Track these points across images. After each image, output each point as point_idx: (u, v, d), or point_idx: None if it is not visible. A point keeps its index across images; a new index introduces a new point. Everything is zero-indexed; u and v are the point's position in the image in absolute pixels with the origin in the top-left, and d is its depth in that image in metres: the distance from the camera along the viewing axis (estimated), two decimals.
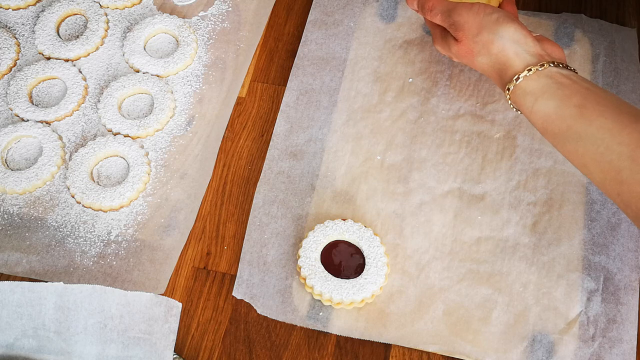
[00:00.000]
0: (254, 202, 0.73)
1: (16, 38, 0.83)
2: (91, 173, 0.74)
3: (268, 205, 0.73)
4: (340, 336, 0.66)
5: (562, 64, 0.60)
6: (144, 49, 0.82)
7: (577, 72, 0.61)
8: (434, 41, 0.71)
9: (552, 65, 0.60)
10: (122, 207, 0.72)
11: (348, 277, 0.67)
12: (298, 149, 0.76)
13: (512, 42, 0.62)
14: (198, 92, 0.80)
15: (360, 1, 0.85)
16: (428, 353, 0.66)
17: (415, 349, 0.66)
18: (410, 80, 0.80)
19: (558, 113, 0.58)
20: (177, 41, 0.82)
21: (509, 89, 0.61)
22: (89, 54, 0.82)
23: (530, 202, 0.72)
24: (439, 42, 0.70)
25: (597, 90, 0.58)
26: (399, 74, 0.80)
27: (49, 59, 0.81)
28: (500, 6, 0.67)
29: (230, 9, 0.85)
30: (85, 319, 0.63)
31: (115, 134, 0.76)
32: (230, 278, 0.70)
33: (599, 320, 0.66)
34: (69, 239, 0.71)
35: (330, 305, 0.67)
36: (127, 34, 0.82)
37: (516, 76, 0.61)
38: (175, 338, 0.64)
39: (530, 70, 0.60)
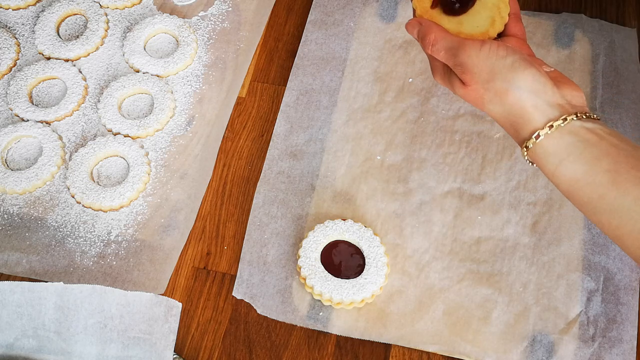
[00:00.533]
0: (254, 202, 0.73)
1: (16, 38, 0.83)
2: (91, 173, 0.74)
3: (268, 205, 0.73)
4: (340, 336, 0.66)
5: (585, 114, 0.52)
6: (144, 49, 0.82)
7: (599, 120, 0.53)
8: (433, 73, 0.61)
9: (575, 117, 0.52)
10: (122, 207, 0.72)
11: (348, 277, 0.67)
12: (298, 149, 0.76)
13: (530, 93, 0.53)
14: (198, 92, 0.80)
15: (360, 1, 0.85)
16: (428, 353, 0.66)
17: (415, 349, 0.66)
18: (410, 80, 0.80)
19: (587, 180, 0.50)
20: (177, 41, 0.82)
21: (527, 147, 0.53)
22: (89, 54, 0.82)
23: (530, 202, 0.72)
24: (440, 77, 0.60)
25: (627, 147, 0.51)
26: (399, 74, 0.80)
27: (49, 59, 0.81)
28: (506, 26, 0.59)
29: (230, 9, 0.85)
30: (85, 319, 0.63)
31: (115, 134, 0.76)
32: (230, 278, 0.70)
33: (599, 320, 0.66)
34: (69, 239, 0.71)
35: (330, 305, 0.67)
36: (127, 34, 0.82)
37: (536, 133, 0.52)
38: (175, 338, 0.64)
39: (552, 126, 0.52)
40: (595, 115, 0.53)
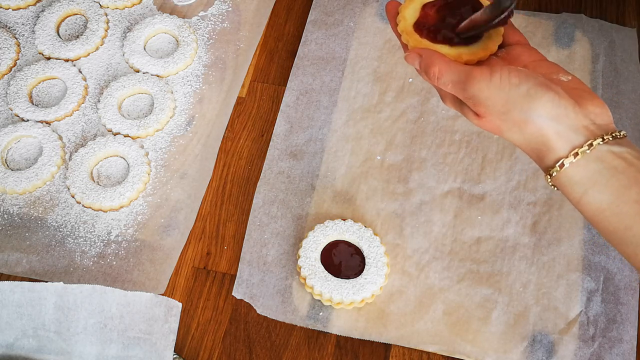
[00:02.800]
0: (254, 202, 0.73)
1: (16, 38, 0.83)
2: (91, 173, 0.74)
3: (268, 205, 0.73)
4: (340, 336, 0.66)
5: (612, 134, 0.49)
6: (144, 49, 0.82)
7: (626, 137, 0.50)
8: (442, 100, 0.57)
9: (601, 141, 0.48)
10: (122, 207, 0.72)
11: (348, 277, 0.67)
12: (298, 149, 0.76)
13: (551, 120, 0.49)
14: (198, 92, 0.80)
15: (360, 1, 0.85)
16: (428, 353, 0.66)
17: (415, 349, 0.66)
18: (410, 80, 0.80)
19: (613, 210, 0.48)
20: (177, 41, 0.82)
21: (551, 174, 0.50)
22: (89, 54, 0.82)
23: (530, 202, 0.72)
24: (451, 104, 0.56)
25: None
26: (399, 74, 0.80)
27: (49, 59, 0.81)
28: (504, 36, 0.55)
29: (230, 9, 0.85)
30: (85, 319, 0.63)
31: (115, 134, 0.76)
32: (230, 278, 0.70)
33: (599, 320, 0.66)
34: (69, 239, 0.71)
35: (330, 305, 0.67)
36: (127, 34, 0.82)
37: (560, 162, 0.49)
38: (175, 338, 0.64)
39: (577, 154, 0.48)
40: (623, 133, 0.49)
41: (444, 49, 0.54)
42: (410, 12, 0.56)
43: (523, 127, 0.50)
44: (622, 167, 0.48)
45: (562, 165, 0.49)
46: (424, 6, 0.56)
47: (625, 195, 0.47)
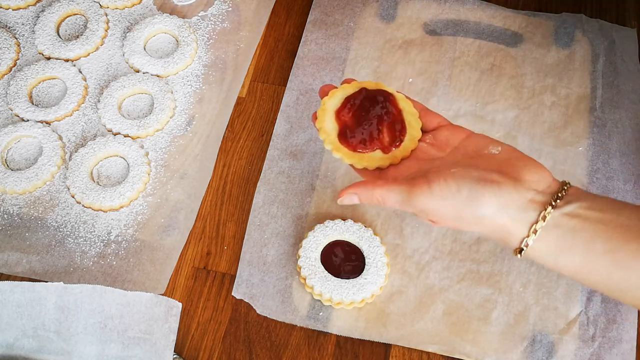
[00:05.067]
0: (254, 202, 0.73)
1: (16, 38, 0.83)
2: (91, 173, 0.74)
3: (268, 205, 0.73)
4: (340, 336, 0.66)
5: (558, 195, 0.50)
6: (144, 49, 0.82)
7: (569, 186, 0.51)
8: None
9: (552, 209, 0.49)
10: (122, 207, 0.72)
11: (348, 277, 0.67)
12: (298, 149, 0.76)
13: (500, 210, 0.50)
14: (198, 92, 0.80)
15: (360, 1, 0.85)
16: (428, 353, 0.66)
17: (415, 349, 0.66)
18: (410, 80, 0.80)
19: (588, 268, 0.49)
20: (177, 41, 0.82)
21: (521, 253, 0.51)
22: (89, 54, 0.82)
23: None
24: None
25: (613, 217, 0.49)
26: (399, 74, 0.80)
27: (49, 59, 0.81)
28: (425, 123, 0.57)
29: (230, 9, 0.85)
30: (85, 319, 0.63)
31: (115, 134, 0.76)
32: (230, 278, 0.70)
33: (599, 320, 0.66)
34: (69, 239, 0.71)
35: (330, 305, 0.67)
36: (127, 34, 0.82)
37: (524, 242, 0.50)
38: (175, 338, 0.64)
39: (536, 230, 0.50)
40: (566, 186, 0.51)
41: (377, 155, 0.56)
42: (330, 125, 0.57)
43: (479, 223, 0.51)
44: (579, 226, 0.49)
45: (527, 244, 0.50)
46: (338, 113, 0.57)
47: (592, 250, 0.48)
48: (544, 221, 0.49)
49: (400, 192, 0.53)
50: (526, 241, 0.50)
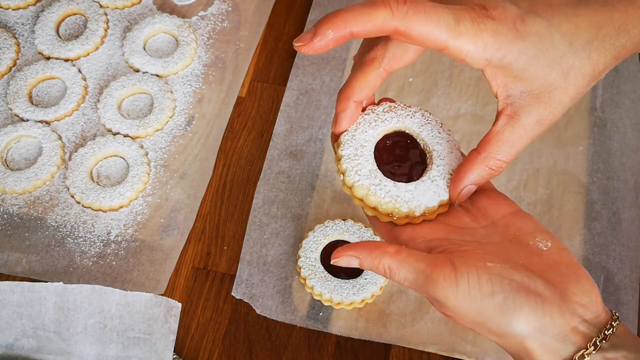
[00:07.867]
0: (254, 202, 0.73)
1: (16, 38, 0.83)
2: (91, 173, 0.74)
3: (268, 205, 0.73)
4: (340, 336, 0.66)
5: (605, 332, 0.41)
6: (144, 48, 0.82)
7: (619, 323, 0.42)
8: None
9: (593, 349, 0.40)
10: (121, 207, 0.72)
11: (348, 278, 0.67)
12: (298, 149, 0.76)
13: (533, 332, 0.41)
14: (198, 92, 0.80)
15: (361, 1, 0.85)
16: (428, 353, 0.66)
17: (415, 349, 0.66)
18: (410, 80, 0.80)
19: None
20: (177, 41, 0.82)
21: None
22: (88, 54, 0.81)
23: (530, 202, 0.72)
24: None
25: None
26: (399, 74, 0.80)
27: (48, 58, 0.81)
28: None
29: (230, 8, 0.85)
30: (85, 319, 0.63)
31: (115, 134, 0.76)
32: (230, 278, 0.70)
33: None
34: (69, 239, 0.71)
35: (330, 306, 0.67)
36: (127, 33, 0.82)
37: None
38: (175, 338, 0.64)
39: None
40: (616, 323, 0.41)
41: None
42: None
43: (501, 337, 0.42)
44: None
45: None
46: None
47: None
48: None
49: (415, 272, 0.42)
50: None
